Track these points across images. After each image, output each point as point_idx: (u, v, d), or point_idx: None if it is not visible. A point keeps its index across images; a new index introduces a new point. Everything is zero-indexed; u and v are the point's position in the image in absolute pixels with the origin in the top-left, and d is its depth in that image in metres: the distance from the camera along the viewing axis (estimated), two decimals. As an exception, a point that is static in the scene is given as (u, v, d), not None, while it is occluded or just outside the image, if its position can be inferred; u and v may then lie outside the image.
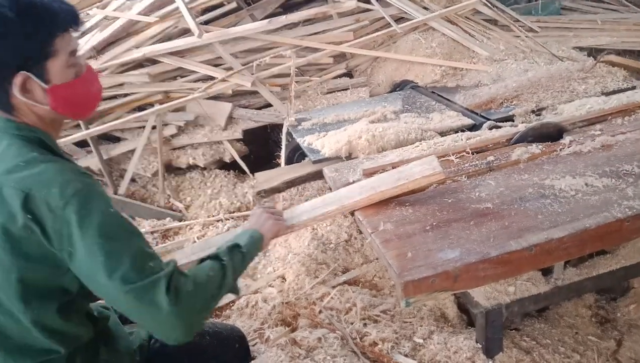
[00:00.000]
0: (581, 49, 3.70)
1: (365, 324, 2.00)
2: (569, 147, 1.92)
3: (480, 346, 1.86)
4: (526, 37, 3.48)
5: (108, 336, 1.40)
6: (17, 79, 1.13)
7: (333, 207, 1.70)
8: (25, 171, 1.12)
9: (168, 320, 1.10)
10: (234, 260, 1.31)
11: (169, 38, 3.57)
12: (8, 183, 1.11)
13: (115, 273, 1.08)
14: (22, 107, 1.17)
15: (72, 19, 1.19)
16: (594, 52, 3.77)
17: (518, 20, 3.84)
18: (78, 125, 3.34)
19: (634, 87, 2.61)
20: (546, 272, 1.93)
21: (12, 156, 1.15)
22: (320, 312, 2.07)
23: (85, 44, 3.56)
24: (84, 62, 1.28)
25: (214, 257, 1.29)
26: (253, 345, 1.94)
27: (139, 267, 1.10)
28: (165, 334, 1.15)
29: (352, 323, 2.01)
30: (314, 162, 2.33)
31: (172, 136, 3.34)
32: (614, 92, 2.56)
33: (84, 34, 3.70)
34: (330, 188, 2.02)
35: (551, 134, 2.06)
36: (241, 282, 2.33)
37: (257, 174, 2.47)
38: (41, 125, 1.22)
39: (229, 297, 2.23)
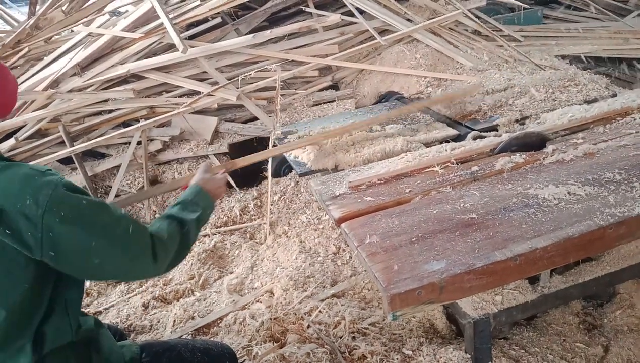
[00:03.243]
0: (563, 57, 3.76)
1: (354, 338, 1.99)
2: (552, 156, 1.93)
3: (469, 356, 1.85)
4: (509, 47, 3.52)
5: (99, 345, 1.42)
6: None
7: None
8: None
9: (151, 275, 1.41)
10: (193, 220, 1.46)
11: (153, 54, 3.57)
12: None
13: (114, 249, 1.22)
14: None
15: None
16: (576, 60, 3.83)
17: (501, 31, 3.89)
18: (62, 143, 3.31)
19: (615, 95, 2.65)
20: (533, 280, 1.93)
21: None
22: (308, 326, 2.06)
23: (69, 61, 3.55)
24: None
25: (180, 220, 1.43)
26: None
27: (131, 240, 1.26)
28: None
29: (340, 337, 2.00)
30: (300, 175, 2.33)
31: (158, 151, 3.33)
32: (595, 100, 2.59)
33: (68, 51, 3.70)
34: (317, 201, 2.02)
35: (534, 143, 2.08)
36: (228, 298, 2.31)
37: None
38: None
39: (218, 313, 2.21)
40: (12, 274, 1.17)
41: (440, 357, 1.86)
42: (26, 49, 3.82)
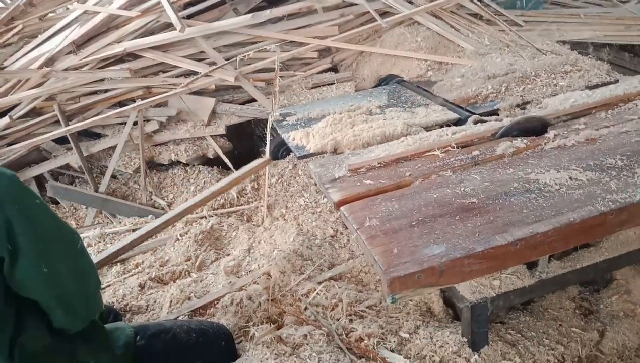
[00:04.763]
0: (565, 42, 3.73)
1: (351, 320, 1.99)
2: (553, 141, 1.92)
3: (466, 340, 1.86)
4: (511, 31, 3.48)
5: (88, 336, 1.39)
6: None
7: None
8: None
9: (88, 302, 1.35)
10: None
11: (150, 32, 3.51)
12: None
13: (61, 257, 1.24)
14: None
15: None
16: (579, 46, 3.80)
17: (502, 14, 3.85)
18: (57, 122, 3.27)
19: (617, 81, 2.63)
20: (531, 265, 1.94)
21: None
22: (306, 308, 2.06)
23: (65, 39, 3.49)
24: None
25: None
26: (238, 343, 1.92)
27: (81, 253, 1.32)
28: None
29: (338, 320, 2.00)
30: (299, 158, 2.31)
31: (154, 132, 3.29)
32: (597, 86, 2.57)
33: (64, 28, 3.64)
34: (316, 184, 2.01)
35: (536, 128, 2.06)
36: (225, 279, 2.31)
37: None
38: None
39: (214, 295, 2.21)
40: None
41: (437, 340, 1.86)
42: (20, 26, 3.76)
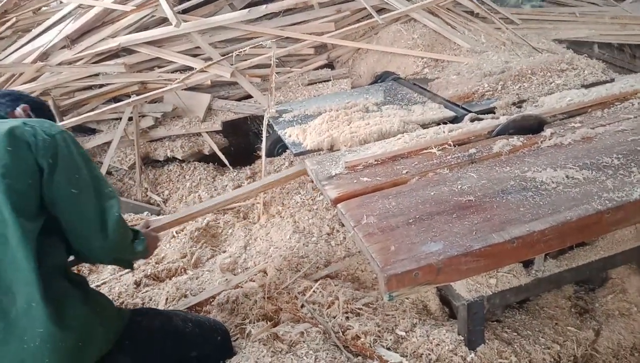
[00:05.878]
0: (560, 41, 3.73)
1: (347, 318, 1.99)
2: (549, 140, 1.92)
3: (462, 338, 1.86)
4: (507, 29, 3.49)
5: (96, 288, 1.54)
6: None
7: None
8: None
9: (101, 240, 1.48)
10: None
11: (145, 27, 3.49)
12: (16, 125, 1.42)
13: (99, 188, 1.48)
14: None
15: None
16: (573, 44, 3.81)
17: (498, 12, 3.85)
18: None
19: (612, 80, 2.63)
20: (527, 263, 1.94)
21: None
22: (302, 306, 2.05)
23: (59, 33, 3.46)
24: None
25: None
26: (235, 341, 1.91)
27: (108, 195, 1.53)
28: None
29: (334, 317, 1.99)
30: (295, 155, 2.30)
31: (150, 128, 3.28)
32: (593, 85, 2.57)
33: (58, 22, 3.61)
34: (313, 181, 2.00)
35: (532, 126, 2.06)
36: (221, 277, 2.30)
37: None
38: None
39: (210, 292, 2.20)
40: (21, 163, 1.37)
41: (433, 338, 1.86)
42: (14, 19, 3.72)
